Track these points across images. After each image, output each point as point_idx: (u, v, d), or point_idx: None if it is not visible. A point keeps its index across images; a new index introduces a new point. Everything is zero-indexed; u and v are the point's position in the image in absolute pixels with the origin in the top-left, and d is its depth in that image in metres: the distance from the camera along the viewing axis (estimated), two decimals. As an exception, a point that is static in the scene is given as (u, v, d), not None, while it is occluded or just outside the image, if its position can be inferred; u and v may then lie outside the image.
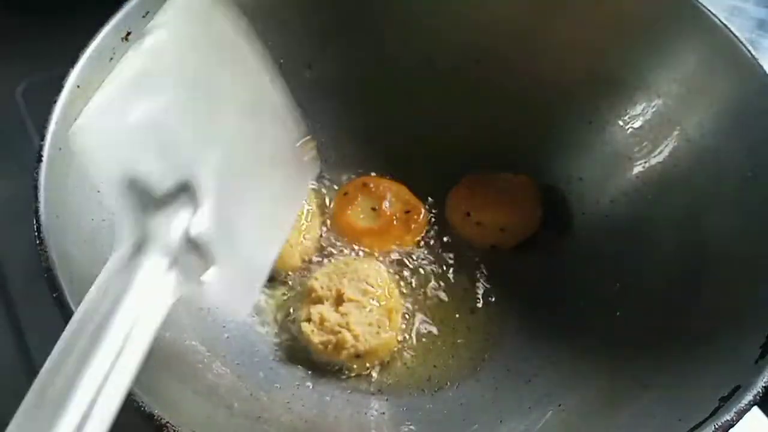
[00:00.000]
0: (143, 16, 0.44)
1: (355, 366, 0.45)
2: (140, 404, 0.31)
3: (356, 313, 0.46)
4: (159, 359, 0.35)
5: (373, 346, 0.45)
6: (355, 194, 0.55)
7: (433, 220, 0.55)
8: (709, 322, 0.42)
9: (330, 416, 0.43)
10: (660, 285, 0.46)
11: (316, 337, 0.45)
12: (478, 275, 0.52)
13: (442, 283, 0.52)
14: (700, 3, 0.47)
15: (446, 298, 0.51)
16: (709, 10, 0.46)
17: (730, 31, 0.45)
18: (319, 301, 0.47)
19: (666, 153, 0.49)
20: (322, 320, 0.45)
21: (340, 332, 0.45)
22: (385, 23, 0.55)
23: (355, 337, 0.45)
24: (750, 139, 0.44)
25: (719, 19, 0.46)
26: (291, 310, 0.48)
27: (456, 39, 0.55)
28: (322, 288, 0.47)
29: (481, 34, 0.54)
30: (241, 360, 0.43)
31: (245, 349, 0.45)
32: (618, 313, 0.47)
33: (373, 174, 0.56)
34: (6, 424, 0.25)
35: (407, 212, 0.54)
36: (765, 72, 0.44)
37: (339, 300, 0.47)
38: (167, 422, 0.31)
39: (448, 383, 0.47)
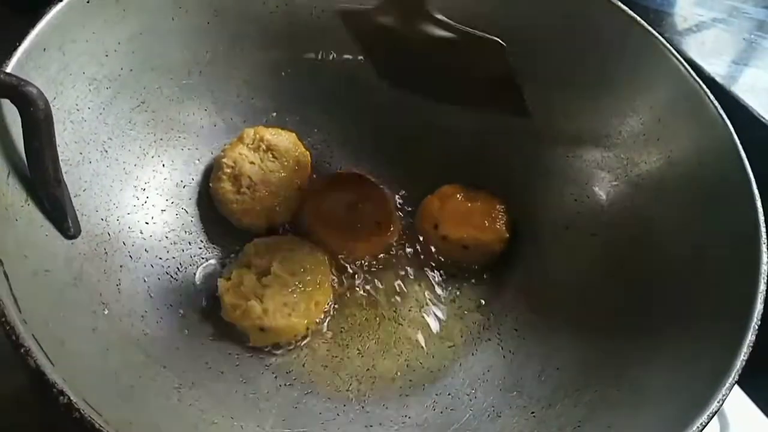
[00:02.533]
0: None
1: (257, 338, 0.46)
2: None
3: (276, 289, 0.46)
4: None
5: (279, 325, 0.45)
6: (343, 183, 0.55)
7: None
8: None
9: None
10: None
11: (228, 298, 0.46)
12: (426, 296, 0.52)
13: (377, 294, 0.52)
14: (667, 47, 0.48)
15: (376, 309, 0.51)
16: (677, 59, 0.48)
17: (696, 81, 0.47)
18: (248, 266, 0.48)
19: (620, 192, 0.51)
20: (240, 283, 0.47)
21: (250, 300, 0.46)
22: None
23: (264, 311, 0.45)
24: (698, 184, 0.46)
25: (687, 69, 0.47)
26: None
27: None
28: (256, 254, 0.48)
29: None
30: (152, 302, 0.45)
31: (164, 292, 0.47)
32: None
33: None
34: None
35: (377, 223, 0.54)
36: (725, 121, 0.45)
37: (266, 271, 0.48)
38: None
39: (352, 386, 0.47)
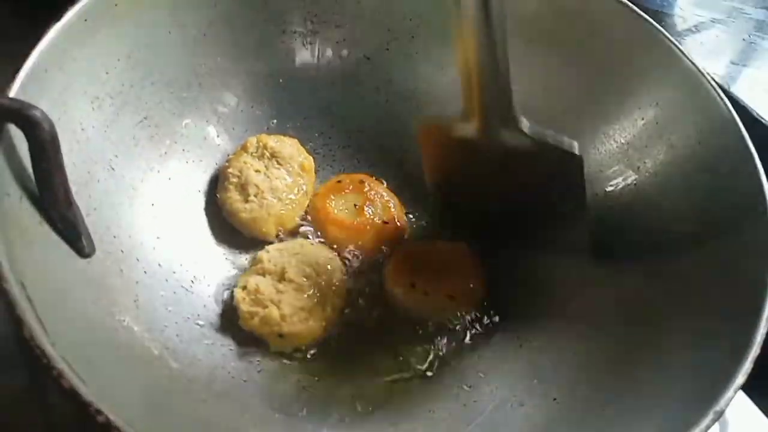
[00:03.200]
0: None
1: (277, 344, 0.46)
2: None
3: (292, 294, 0.47)
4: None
5: (297, 330, 0.46)
6: (347, 185, 0.55)
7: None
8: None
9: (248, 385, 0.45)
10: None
11: (245, 306, 0.46)
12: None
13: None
14: (674, 43, 0.49)
15: (390, 308, 0.51)
16: (683, 51, 0.48)
17: (701, 73, 0.47)
18: (263, 273, 0.48)
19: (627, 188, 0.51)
20: (256, 291, 0.47)
21: (268, 307, 0.46)
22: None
23: (282, 317, 0.45)
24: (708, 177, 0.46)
25: (692, 61, 0.48)
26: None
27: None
28: (269, 261, 0.48)
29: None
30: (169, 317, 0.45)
31: (181, 305, 0.47)
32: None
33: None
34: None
35: (385, 223, 0.54)
36: (732, 114, 0.45)
37: (281, 277, 0.48)
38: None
39: (374, 384, 0.47)
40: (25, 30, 0.41)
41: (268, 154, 0.54)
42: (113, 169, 0.47)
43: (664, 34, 0.49)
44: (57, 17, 0.43)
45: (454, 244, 0.53)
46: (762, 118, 0.43)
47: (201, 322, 0.47)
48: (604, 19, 0.51)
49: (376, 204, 0.54)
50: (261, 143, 0.54)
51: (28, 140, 0.38)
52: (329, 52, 0.57)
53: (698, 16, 0.70)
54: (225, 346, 0.46)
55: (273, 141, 0.54)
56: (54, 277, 0.37)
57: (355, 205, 0.54)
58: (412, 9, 0.56)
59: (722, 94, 0.46)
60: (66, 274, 0.39)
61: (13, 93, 0.39)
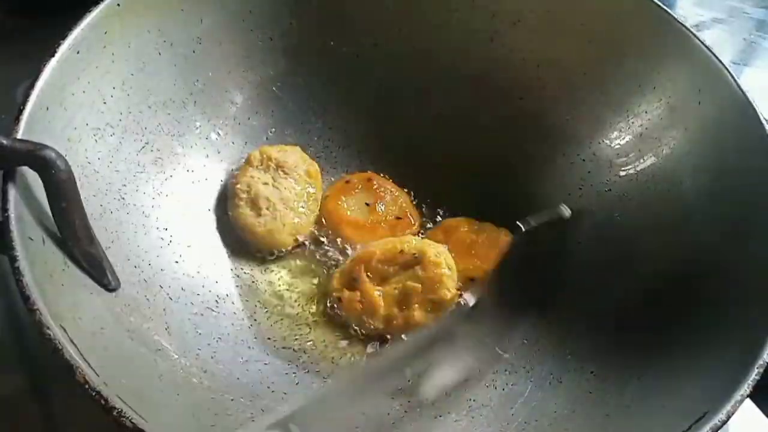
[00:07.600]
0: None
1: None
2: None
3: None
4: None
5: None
6: (356, 185, 0.55)
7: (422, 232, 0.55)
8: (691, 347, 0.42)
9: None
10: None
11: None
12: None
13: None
14: (688, 29, 0.48)
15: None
16: (696, 37, 0.47)
17: (716, 58, 0.46)
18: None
19: (644, 173, 0.50)
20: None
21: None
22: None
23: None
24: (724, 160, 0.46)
25: (706, 46, 0.47)
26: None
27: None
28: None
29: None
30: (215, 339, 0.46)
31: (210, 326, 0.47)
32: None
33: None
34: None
35: (398, 218, 0.54)
36: (747, 97, 0.45)
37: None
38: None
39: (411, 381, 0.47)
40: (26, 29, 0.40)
41: (273, 165, 0.53)
42: (123, 198, 0.46)
43: (675, 19, 0.49)
44: (50, 53, 0.42)
45: (498, 229, 0.53)
46: (763, 117, 0.43)
47: (233, 341, 0.46)
48: (616, 4, 0.50)
49: (387, 200, 0.54)
50: (264, 155, 0.53)
51: (44, 181, 0.38)
52: (319, 54, 0.57)
53: (699, 16, 0.71)
54: (259, 362, 0.46)
55: (276, 151, 0.54)
56: (88, 317, 0.37)
57: (366, 204, 0.54)
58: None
59: (735, 76, 0.46)
60: (97, 312, 0.38)
61: (19, 134, 0.39)
